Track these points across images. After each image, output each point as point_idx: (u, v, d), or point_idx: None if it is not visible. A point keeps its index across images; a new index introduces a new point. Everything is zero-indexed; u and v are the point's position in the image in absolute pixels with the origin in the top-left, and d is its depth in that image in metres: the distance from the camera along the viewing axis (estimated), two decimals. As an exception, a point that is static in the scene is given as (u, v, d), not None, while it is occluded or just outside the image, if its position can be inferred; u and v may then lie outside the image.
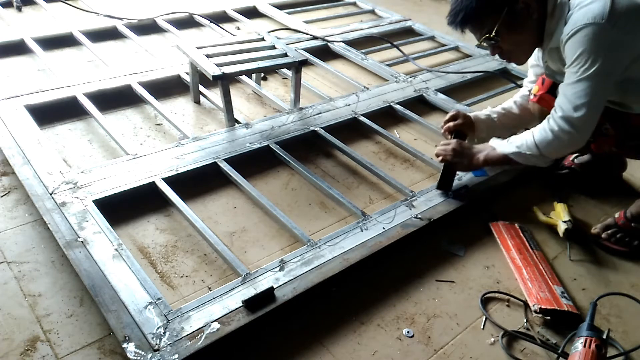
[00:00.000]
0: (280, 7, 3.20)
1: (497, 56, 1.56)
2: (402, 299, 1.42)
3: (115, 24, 2.69)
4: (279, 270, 1.37)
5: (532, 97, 1.75)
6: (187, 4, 3.01)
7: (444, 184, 1.73)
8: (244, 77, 2.34)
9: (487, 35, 1.47)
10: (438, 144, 1.86)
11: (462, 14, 1.45)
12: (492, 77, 2.64)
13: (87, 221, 1.44)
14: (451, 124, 1.80)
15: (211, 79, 1.86)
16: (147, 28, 2.76)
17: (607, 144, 1.64)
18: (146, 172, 1.66)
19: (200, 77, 2.13)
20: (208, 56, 1.96)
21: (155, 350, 1.14)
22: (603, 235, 1.67)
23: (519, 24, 1.46)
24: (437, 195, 1.71)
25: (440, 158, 1.71)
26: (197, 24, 2.90)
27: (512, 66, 2.68)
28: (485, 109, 1.89)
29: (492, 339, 1.34)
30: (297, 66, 2.06)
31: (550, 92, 1.68)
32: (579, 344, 1.22)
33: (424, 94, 2.37)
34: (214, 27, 2.82)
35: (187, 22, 2.89)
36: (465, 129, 1.81)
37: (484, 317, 1.39)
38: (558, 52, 1.48)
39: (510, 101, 1.87)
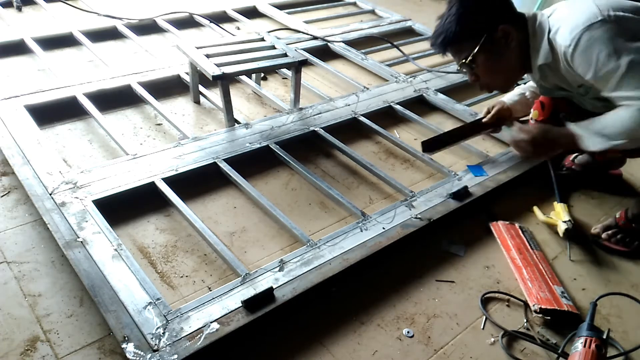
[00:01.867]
0: (280, 7, 3.20)
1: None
2: (402, 299, 1.42)
3: (115, 24, 2.69)
4: (279, 271, 1.37)
5: (532, 121, 1.76)
6: (187, 4, 3.01)
7: (431, 146, 1.77)
8: (244, 77, 2.34)
9: (464, 61, 1.48)
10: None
11: (443, 36, 1.48)
12: (492, 77, 2.64)
13: (86, 221, 1.44)
14: (494, 111, 1.80)
15: (211, 79, 1.86)
16: (147, 28, 2.76)
17: (612, 151, 1.64)
18: (146, 172, 1.66)
19: (200, 77, 2.13)
20: (208, 56, 1.96)
21: (154, 351, 1.14)
22: (603, 236, 1.67)
23: (497, 52, 1.47)
24: (437, 196, 1.71)
25: (521, 153, 1.61)
26: (197, 24, 2.90)
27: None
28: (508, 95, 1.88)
29: (492, 339, 1.34)
30: (297, 66, 2.06)
31: (552, 118, 1.68)
32: (579, 344, 1.22)
33: (424, 94, 2.36)
34: (214, 27, 2.82)
35: (187, 22, 2.89)
36: (504, 115, 1.82)
37: (484, 317, 1.39)
38: (549, 68, 1.49)
39: (530, 85, 1.85)
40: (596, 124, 1.43)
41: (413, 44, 2.94)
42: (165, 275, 1.41)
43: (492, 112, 1.83)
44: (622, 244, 1.65)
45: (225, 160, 1.77)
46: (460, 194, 1.71)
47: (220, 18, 2.96)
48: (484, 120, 1.85)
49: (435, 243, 1.61)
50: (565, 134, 1.49)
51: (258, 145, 1.86)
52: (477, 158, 1.98)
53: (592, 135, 1.43)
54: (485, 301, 1.44)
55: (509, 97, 1.86)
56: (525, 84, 1.89)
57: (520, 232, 1.66)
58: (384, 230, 1.54)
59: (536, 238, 1.67)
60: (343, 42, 2.77)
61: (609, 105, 1.50)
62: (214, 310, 1.25)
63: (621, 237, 1.64)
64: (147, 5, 2.95)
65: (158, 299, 1.25)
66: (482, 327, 1.37)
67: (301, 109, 2.12)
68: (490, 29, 1.44)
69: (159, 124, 2.04)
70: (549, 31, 1.43)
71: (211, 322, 1.21)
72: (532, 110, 1.78)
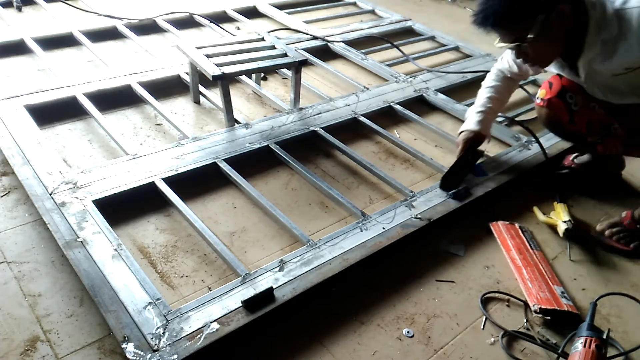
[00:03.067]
0: (280, 7, 3.20)
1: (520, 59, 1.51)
2: (402, 299, 1.42)
3: (115, 24, 2.69)
4: (279, 271, 1.37)
5: (538, 100, 1.75)
6: (187, 4, 3.01)
7: (450, 183, 1.73)
8: (244, 77, 2.34)
9: (518, 43, 1.41)
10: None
11: (493, 18, 1.39)
12: (492, 77, 2.64)
13: (86, 221, 1.44)
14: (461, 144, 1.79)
15: (211, 79, 1.86)
16: (147, 28, 2.76)
17: (615, 145, 1.64)
18: (146, 172, 1.66)
19: (200, 77, 2.13)
20: (208, 56, 1.96)
21: (154, 351, 1.14)
22: (607, 233, 1.67)
23: (551, 33, 1.40)
24: (437, 196, 1.71)
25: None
26: (197, 24, 2.91)
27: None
28: (470, 114, 1.85)
29: (492, 339, 1.34)
30: (297, 66, 2.06)
31: (560, 97, 1.67)
32: (579, 344, 1.22)
33: (424, 94, 2.36)
34: (214, 27, 2.82)
35: (187, 22, 2.89)
36: (478, 141, 1.80)
37: (484, 317, 1.39)
38: (606, 44, 1.41)
39: (487, 90, 1.83)
40: None
41: (413, 44, 2.94)
42: (165, 275, 1.41)
43: (477, 146, 1.80)
44: (623, 242, 1.65)
45: (225, 160, 1.77)
46: (460, 194, 1.71)
47: (220, 18, 2.96)
48: (480, 150, 1.83)
49: (435, 243, 1.61)
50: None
51: (258, 145, 1.86)
52: (477, 158, 1.98)
53: None
54: (485, 301, 1.44)
55: (472, 124, 1.79)
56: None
57: (520, 232, 1.66)
58: (384, 230, 1.54)
59: (536, 238, 1.67)
60: (343, 42, 2.77)
61: (623, 98, 1.49)
62: (214, 310, 1.24)
63: (624, 235, 1.65)
64: (147, 5, 2.95)
65: (158, 299, 1.25)
66: (482, 327, 1.37)
67: (301, 109, 2.12)
68: (547, 9, 1.36)
69: (159, 124, 2.04)
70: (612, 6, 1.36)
71: (211, 322, 1.21)
72: (539, 90, 1.76)
